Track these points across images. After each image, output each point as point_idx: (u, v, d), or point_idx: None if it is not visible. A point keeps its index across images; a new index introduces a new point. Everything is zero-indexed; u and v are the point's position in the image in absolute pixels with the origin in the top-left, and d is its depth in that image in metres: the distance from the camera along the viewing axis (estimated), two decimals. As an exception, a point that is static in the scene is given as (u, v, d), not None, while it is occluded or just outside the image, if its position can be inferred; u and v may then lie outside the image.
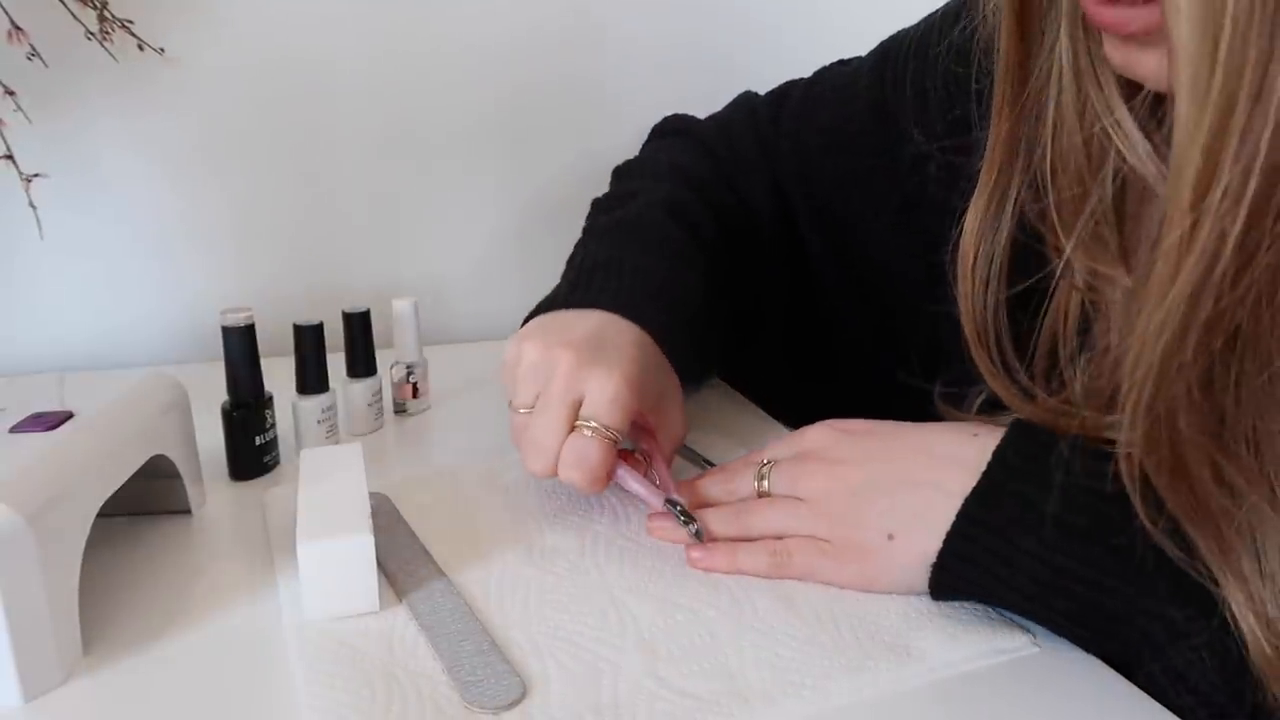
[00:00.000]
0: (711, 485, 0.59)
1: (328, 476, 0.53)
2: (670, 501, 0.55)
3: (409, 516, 0.58)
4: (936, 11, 0.63)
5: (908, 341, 0.62)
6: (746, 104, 0.78)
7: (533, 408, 0.55)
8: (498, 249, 0.98)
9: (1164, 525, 0.42)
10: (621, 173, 0.79)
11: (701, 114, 0.91)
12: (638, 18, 0.95)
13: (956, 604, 0.50)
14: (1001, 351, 0.50)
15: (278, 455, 0.66)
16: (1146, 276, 0.39)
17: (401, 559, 0.53)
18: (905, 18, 0.67)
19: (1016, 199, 0.49)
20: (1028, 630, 0.48)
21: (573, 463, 0.53)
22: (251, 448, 0.64)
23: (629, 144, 0.98)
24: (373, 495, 0.54)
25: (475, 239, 0.97)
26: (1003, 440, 0.48)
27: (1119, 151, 0.45)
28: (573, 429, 0.54)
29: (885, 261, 0.67)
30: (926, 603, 0.50)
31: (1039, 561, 0.45)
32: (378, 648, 0.46)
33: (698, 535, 0.54)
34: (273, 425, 0.65)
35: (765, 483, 0.55)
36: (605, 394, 0.53)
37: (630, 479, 0.56)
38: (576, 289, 0.62)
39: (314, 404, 0.68)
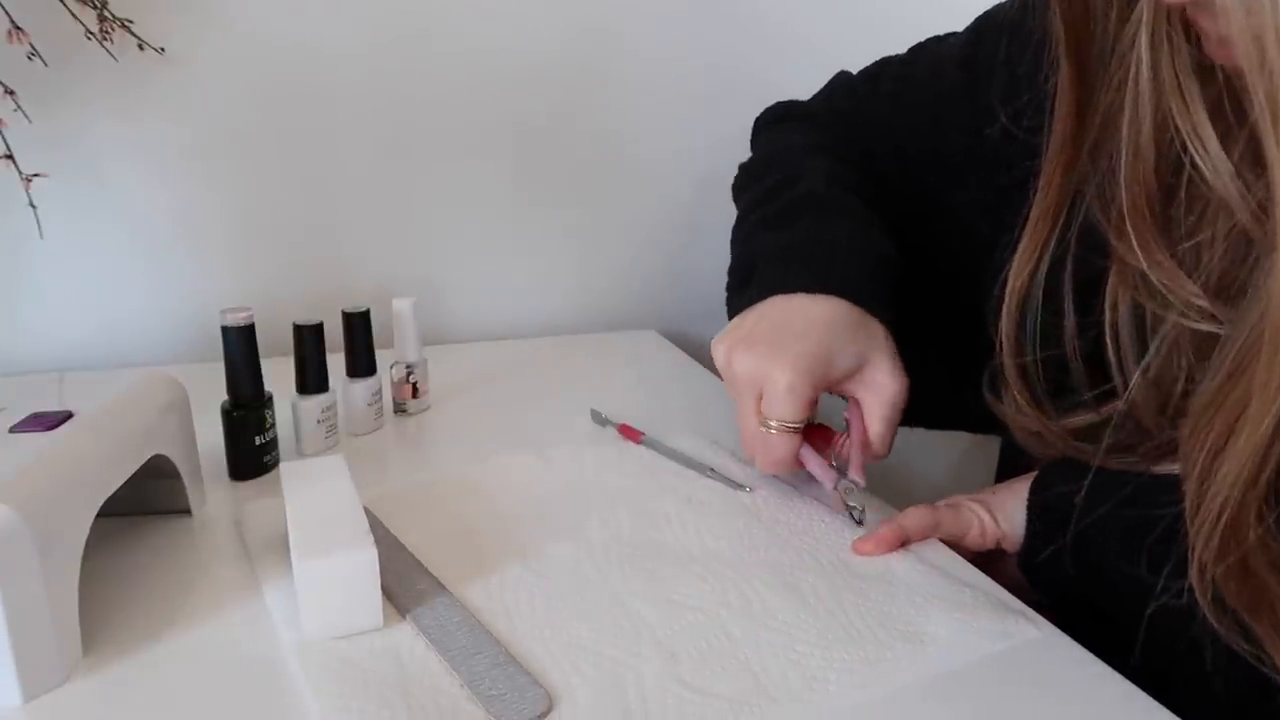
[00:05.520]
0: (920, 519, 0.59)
1: (313, 489, 0.52)
2: (844, 484, 0.59)
3: (396, 530, 0.57)
4: None
5: (962, 321, 0.62)
6: (844, 83, 0.77)
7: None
8: (498, 249, 0.98)
9: (1228, 621, 0.43)
10: (755, 166, 0.76)
11: (710, 120, 0.92)
12: (643, 20, 0.95)
13: (960, 589, 0.52)
14: (1033, 388, 0.54)
15: (277, 455, 0.66)
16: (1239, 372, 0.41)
17: (396, 573, 0.52)
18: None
19: (1066, 240, 0.52)
20: (1025, 615, 0.50)
21: (762, 458, 0.59)
22: (251, 448, 0.64)
23: (632, 143, 0.98)
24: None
25: (476, 239, 0.97)
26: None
27: (1198, 169, 0.44)
28: (762, 424, 0.58)
29: (965, 239, 0.64)
30: (930, 589, 0.51)
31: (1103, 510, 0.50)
32: (388, 666, 0.45)
33: (859, 521, 0.58)
34: (273, 425, 0.65)
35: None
36: (777, 389, 0.57)
37: (811, 461, 0.60)
38: (760, 281, 0.63)
39: (314, 404, 0.68)
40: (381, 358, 0.73)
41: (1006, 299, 0.54)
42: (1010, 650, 0.47)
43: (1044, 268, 0.53)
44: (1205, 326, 0.46)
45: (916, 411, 0.62)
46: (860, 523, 0.58)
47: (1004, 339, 0.55)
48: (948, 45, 0.68)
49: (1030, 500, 0.56)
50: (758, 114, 0.81)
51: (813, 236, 0.63)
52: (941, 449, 0.72)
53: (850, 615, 0.49)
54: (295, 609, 0.47)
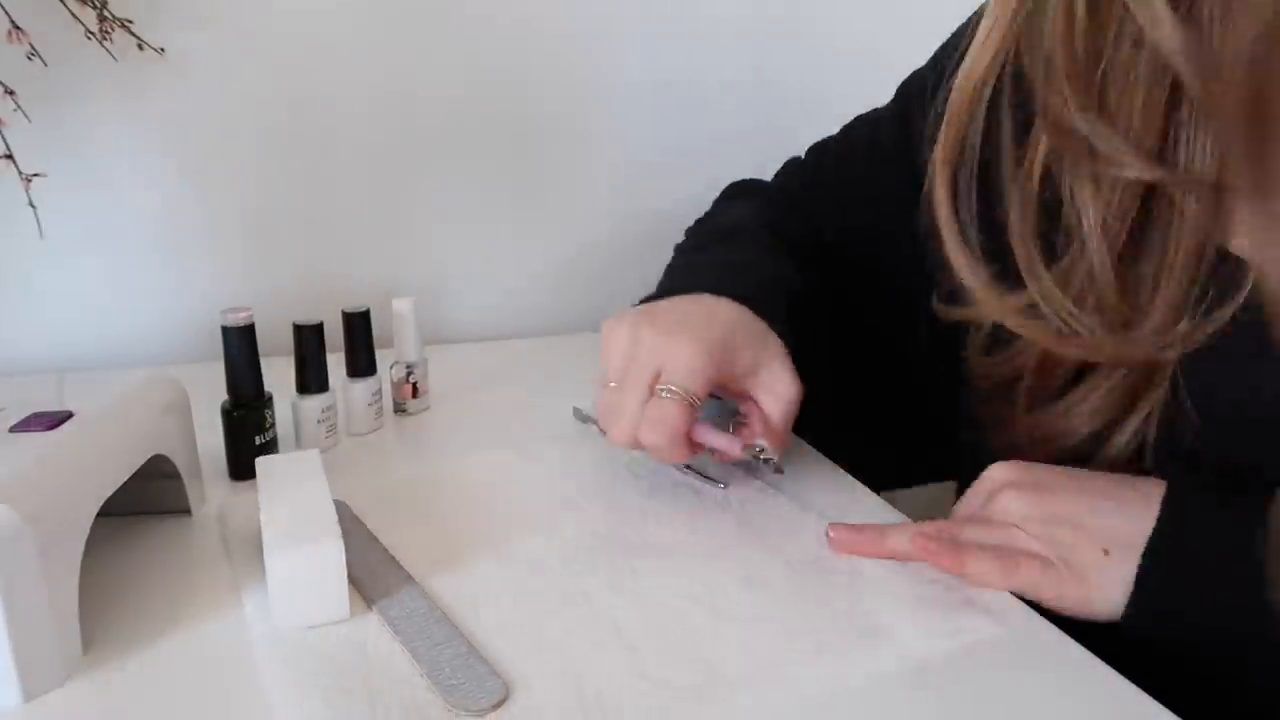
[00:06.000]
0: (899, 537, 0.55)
1: (287, 484, 0.54)
2: (748, 448, 0.59)
3: (371, 524, 0.58)
4: (947, 41, 0.64)
5: (936, 377, 0.64)
6: (794, 166, 0.79)
7: (619, 382, 0.58)
8: (498, 248, 0.98)
9: None
10: (698, 225, 0.79)
11: (714, 120, 0.92)
12: (641, 19, 0.95)
13: (923, 584, 0.52)
14: (968, 239, 0.53)
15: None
16: None
17: (368, 566, 0.53)
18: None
19: (998, 95, 0.52)
20: (989, 612, 0.50)
21: (651, 425, 0.56)
22: (251, 448, 0.64)
23: (629, 144, 0.98)
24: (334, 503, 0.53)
25: (475, 238, 0.97)
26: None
27: (1130, 14, 0.45)
28: (653, 395, 0.57)
29: (917, 297, 0.64)
30: (896, 587, 0.52)
31: (1245, 582, 0.45)
32: (353, 655, 0.46)
33: (777, 470, 0.60)
34: (273, 425, 0.65)
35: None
36: (680, 361, 0.56)
37: (709, 434, 0.59)
38: (669, 281, 0.65)
39: (314, 404, 0.68)
40: (382, 357, 0.73)
41: (945, 121, 0.53)
42: (966, 644, 0.47)
43: (985, 97, 0.52)
44: (1131, 174, 0.47)
45: (877, 474, 0.63)
46: (780, 470, 0.61)
47: (940, 192, 0.54)
48: (879, 112, 0.71)
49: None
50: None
51: (722, 258, 0.67)
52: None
53: (816, 612, 0.50)
54: (266, 598, 0.48)
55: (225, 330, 0.62)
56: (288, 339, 0.67)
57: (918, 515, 0.58)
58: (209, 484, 0.63)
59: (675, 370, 0.56)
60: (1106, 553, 0.49)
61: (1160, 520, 0.48)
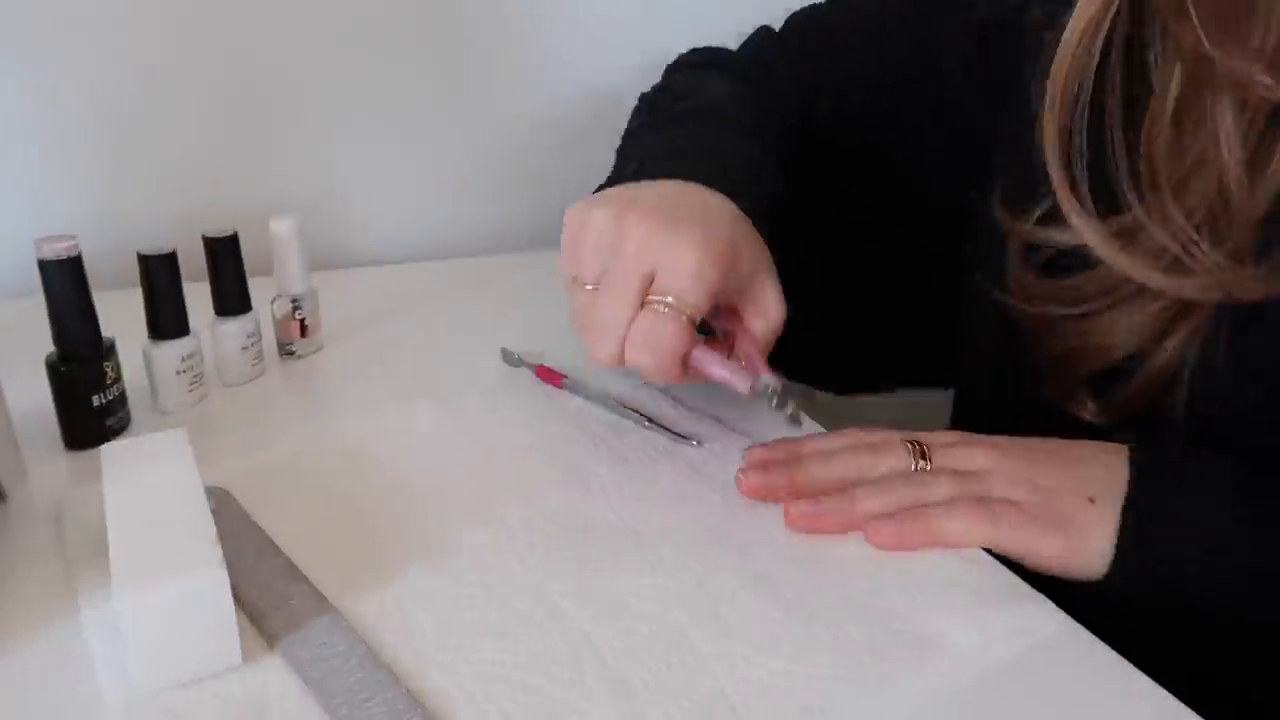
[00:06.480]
0: (836, 465, 0.49)
1: (142, 483, 0.41)
2: (763, 385, 0.49)
3: (263, 520, 0.45)
4: None
5: (944, 261, 0.58)
6: (770, 35, 0.70)
7: (600, 284, 0.48)
8: (403, 151, 0.83)
9: None
10: (661, 94, 0.68)
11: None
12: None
13: (966, 572, 0.44)
14: (1079, 174, 0.48)
15: (127, 415, 0.54)
16: None
17: (264, 583, 0.41)
18: None
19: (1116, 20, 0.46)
20: (1043, 600, 0.43)
21: (642, 343, 0.47)
22: (88, 410, 0.51)
23: (559, 30, 0.84)
24: (209, 492, 0.41)
25: (374, 139, 0.82)
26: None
27: None
28: (645, 305, 0.47)
29: (925, 176, 0.61)
30: (927, 573, 0.43)
31: (1222, 514, 0.44)
32: (249, 717, 0.35)
33: (795, 420, 0.49)
34: (117, 380, 0.53)
35: (925, 463, 0.48)
36: (685, 265, 0.46)
37: (710, 362, 0.49)
38: (649, 164, 0.54)
39: (170, 351, 0.55)
40: (260, 289, 0.60)
41: (1055, 70, 0.47)
42: (1026, 650, 0.39)
43: (1097, 46, 0.47)
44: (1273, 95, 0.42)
45: (862, 373, 0.58)
46: (798, 421, 0.50)
47: (1048, 129, 0.48)
48: None
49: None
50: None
51: (709, 142, 0.57)
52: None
53: (839, 616, 0.40)
54: (122, 647, 0.35)
55: (43, 265, 0.49)
56: (133, 270, 0.53)
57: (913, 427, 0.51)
58: (38, 456, 0.51)
59: (676, 275, 0.46)
60: (1092, 500, 0.45)
61: (1138, 468, 0.45)
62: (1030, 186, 0.50)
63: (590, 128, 0.83)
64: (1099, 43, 0.47)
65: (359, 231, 0.84)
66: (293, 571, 0.42)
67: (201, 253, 0.58)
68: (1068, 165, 0.48)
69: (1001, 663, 0.39)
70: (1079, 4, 0.47)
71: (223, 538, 0.37)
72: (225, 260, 0.58)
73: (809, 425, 0.53)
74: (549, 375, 0.59)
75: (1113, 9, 0.46)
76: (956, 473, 0.47)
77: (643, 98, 0.69)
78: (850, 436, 0.50)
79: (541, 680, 0.37)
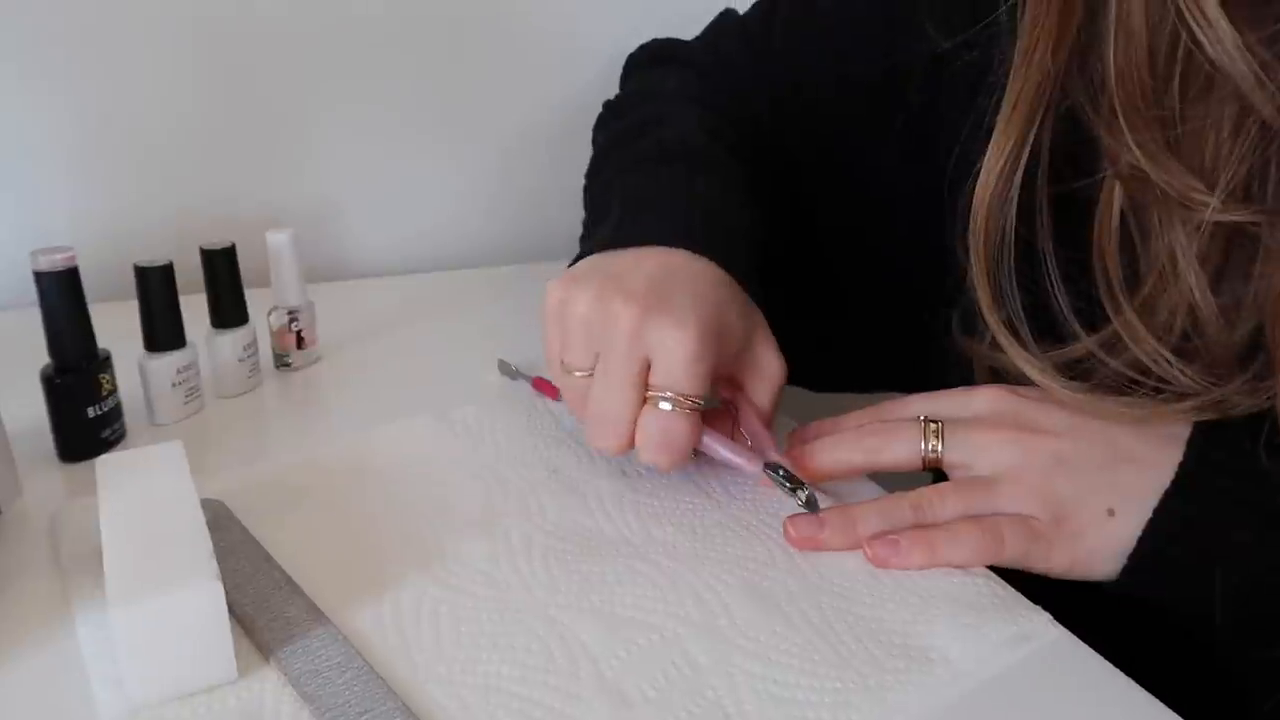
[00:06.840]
0: (841, 448, 0.49)
1: (138, 495, 0.40)
2: (770, 466, 0.47)
3: (259, 533, 0.45)
4: None
5: (913, 270, 0.56)
6: (733, 23, 0.68)
7: (591, 371, 0.47)
8: (400, 163, 0.83)
9: None
10: (622, 105, 0.68)
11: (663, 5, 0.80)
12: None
13: (964, 584, 0.43)
14: (1013, 311, 0.46)
15: (122, 428, 0.54)
16: None
17: (259, 596, 0.40)
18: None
19: (1039, 143, 0.45)
20: (1042, 612, 0.42)
21: (657, 446, 0.46)
22: (84, 422, 0.51)
23: (554, 44, 0.84)
24: (204, 504, 0.41)
25: (371, 152, 0.82)
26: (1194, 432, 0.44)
27: (1198, 45, 0.38)
28: (645, 399, 0.46)
29: (891, 185, 0.58)
30: (926, 587, 0.43)
31: (1250, 554, 0.41)
32: None
33: (810, 505, 0.46)
34: (112, 392, 0.52)
35: (939, 445, 0.47)
36: (679, 355, 0.45)
37: (718, 446, 0.48)
38: (626, 222, 0.52)
39: (166, 363, 0.55)
40: (257, 301, 0.60)
41: (973, 221, 0.46)
42: (1026, 659, 0.39)
43: (1015, 184, 0.45)
44: (1225, 217, 0.40)
45: (838, 373, 0.58)
46: (814, 505, 0.46)
47: (977, 272, 0.47)
48: None
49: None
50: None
51: (683, 190, 0.54)
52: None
53: (837, 629, 0.40)
54: (117, 660, 0.35)
55: (39, 276, 0.49)
56: (129, 283, 0.53)
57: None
58: (34, 468, 0.50)
59: (669, 368, 0.45)
60: (1111, 513, 0.43)
61: (1183, 474, 0.43)
62: (975, 316, 0.48)
63: (587, 141, 0.83)
64: (1019, 177, 0.45)
65: (356, 243, 0.84)
66: (289, 584, 0.41)
67: (198, 264, 0.58)
68: (1000, 303, 0.46)
69: (1000, 675, 0.39)
70: (991, 145, 0.45)
71: (218, 550, 0.37)
72: (222, 272, 0.58)
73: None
74: (547, 387, 0.59)
75: (1033, 131, 0.45)
76: (962, 490, 0.46)
77: (606, 106, 0.68)
78: (866, 414, 0.50)
79: (540, 693, 0.37)
